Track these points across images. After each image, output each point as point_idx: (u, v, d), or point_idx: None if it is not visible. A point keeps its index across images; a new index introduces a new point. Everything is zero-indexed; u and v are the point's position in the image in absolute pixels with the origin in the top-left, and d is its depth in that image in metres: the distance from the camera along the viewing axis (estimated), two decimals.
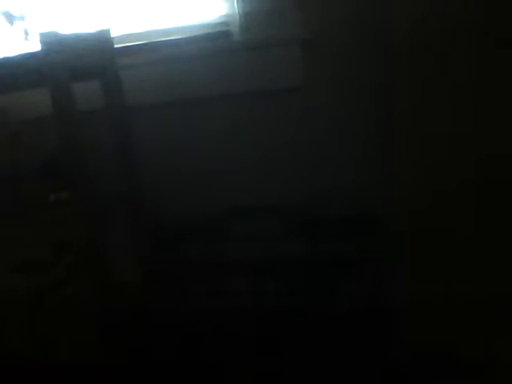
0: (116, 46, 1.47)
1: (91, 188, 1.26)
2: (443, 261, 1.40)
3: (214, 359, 1.30)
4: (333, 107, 1.42)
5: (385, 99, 1.38)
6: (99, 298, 1.33)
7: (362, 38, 1.37)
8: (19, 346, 1.41)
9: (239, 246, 1.49)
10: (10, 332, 1.42)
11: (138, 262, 1.51)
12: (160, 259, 1.54)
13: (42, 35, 1.14)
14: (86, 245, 1.28)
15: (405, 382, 1.15)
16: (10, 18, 1.37)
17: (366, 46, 1.37)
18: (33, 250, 1.38)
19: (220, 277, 1.51)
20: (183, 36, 1.54)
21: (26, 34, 1.38)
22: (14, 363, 1.38)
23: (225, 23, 1.52)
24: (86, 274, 1.33)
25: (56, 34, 1.17)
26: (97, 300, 1.33)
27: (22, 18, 1.38)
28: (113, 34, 1.41)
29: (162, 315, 1.46)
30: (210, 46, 1.48)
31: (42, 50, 1.15)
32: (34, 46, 1.37)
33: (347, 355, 1.24)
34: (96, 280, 1.31)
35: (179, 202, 1.59)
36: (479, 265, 1.36)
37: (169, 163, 1.58)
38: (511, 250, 1.33)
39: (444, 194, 1.39)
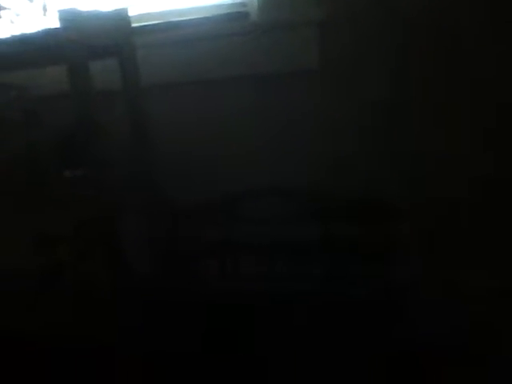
0: (133, 25, 1.46)
1: (106, 167, 1.27)
2: (455, 248, 1.40)
3: (222, 341, 1.32)
4: (348, 89, 1.41)
5: (401, 81, 1.37)
6: (111, 279, 1.34)
7: (378, 19, 1.35)
8: (32, 323, 1.43)
9: (251, 229, 1.49)
10: (24, 309, 1.45)
11: (150, 242, 1.52)
12: (172, 240, 1.55)
13: (61, 12, 1.14)
14: (99, 223, 1.30)
15: (412, 370, 1.15)
16: None
17: (383, 27, 1.35)
18: (47, 227, 1.40)
19: (231, 259, 1.52)
20: (200, 16, 1.53)
21: (45, 10, 1.39)
22: (25, 340, 1.40)
23: (242, 4, 1.51)
24: (99, 253, 1.35)
25: (74, 12, 1.17)
26: (109, 281, 1.35)
27: None
28: (130, 13, 1.41)
29: (172, 296, 1.47)
30: (227, 26, 1.47)
31: (61, 27, 1.15)
32: (53, 22, 1.38)
33: (356, 340, 1.25)
34: (109, 260, 1.33)
35: (192, 184, 1.59)
36: (490, 253, 1.36)
37: (183, 144, 1.58)
38: None
39: (458, 181, 1.38)
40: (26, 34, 1.23)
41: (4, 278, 1.43)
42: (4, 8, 1.40)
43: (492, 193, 1.36)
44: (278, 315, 1.37)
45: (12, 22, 1.40)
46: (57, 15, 1.14)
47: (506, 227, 1.35)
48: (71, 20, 1.15)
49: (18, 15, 1.41)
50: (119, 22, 1.37)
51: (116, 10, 1.37)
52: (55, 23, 1.15)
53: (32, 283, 1.44)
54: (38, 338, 1.40)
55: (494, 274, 1.32)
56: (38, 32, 1.20)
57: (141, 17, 1.58)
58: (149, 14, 1.59)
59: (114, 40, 1.37)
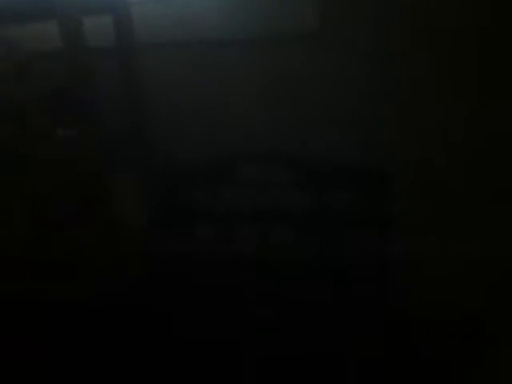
0: None
1: (98, 125, 1.26)
2: (453, 218, 1.40)
3: (215, 308, 1.32)
4: (349, 52, 1.39)
5: (404, 45, 1.34)
6: (103, 238, 1.34)
7: None
8: (23, 282, 1.44)
9: (246, 193, 1.49)
10: (16, 267, 1.45)
11: (142, 203, 1.52)
12: (165, 202, 1.55)
13: None
14: (91, 181, 1.29)
15: (406, 342, 1.17)
16: None
17: None
18: (39, 185, 1.39)
19: (225, 224, 1.52)
20: None
21: None
22: (17, 297, 1.41)
23: None
24: (91, 212, 1.35)
25: None
26: (101, 239, 1.35)
27: None
28: None
29: (165, 259, 1.48)
30: None
31: None
32: None
33: (350, 309, 1.26)
34: (101, 219, 1.33)
35: (186, 145, 1.58)
36: (489, 224, 1.36)
37: (177, 105, 1.56)
38: None
39: (457, 150, 1.37)
40: None
41: None
42: None
43: (492, 163, 1.36)
44: (270, 283, 1.38)
45: None
46: None
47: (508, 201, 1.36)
48: None
49: None
50: None
51: None
52: None
53: (25, 244, 1.44)
54: (34, 298, 1.40)
55: (493, 245, 1.33)
56: None
57: None
58: None
59: None
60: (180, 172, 1.53)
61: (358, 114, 1.42)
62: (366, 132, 1.42)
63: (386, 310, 1.24)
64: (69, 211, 1.41)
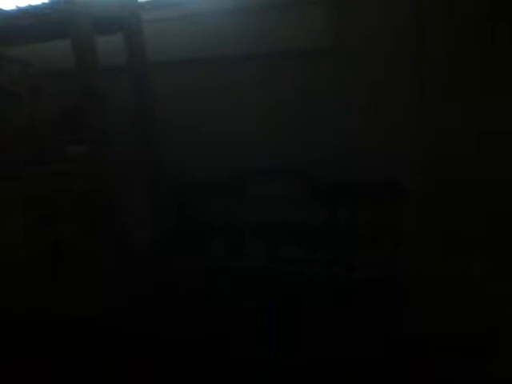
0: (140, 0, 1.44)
1: (110, 143, 1.26)
2: (464, 234, 1.38)
3: (226, 321, 1.31)
4: (360, 67, 1.39)
5: (415, 61, 1.34)
6: (114, 254, 1.34)
7: None
8: (35, 298, 1.43)
9: (256, 209, 1.48)
10: (27, 284, 1.45)
11: (152, 219, 1.51)
12: (175, 219, 1.55)
13: None
14: (102, 199, 1.29)
15: (414, 356, 1.15)
16: None
17: (396, 6, 1.32)
18: (50, 202, 1.40)
19: (235, 239, 1.51)
20: None
21: None
22: (28, 314, 1.40)
23: None
24: (102, 230, 1.35)
25: None
26: (112, 256, 1.34)
27: None
28: None
29: (175, 274, 1.47)
30: (237, 2, 1.44)
31: (66, 1, 1.13)
32: None
33: (361, 322, 1.24)
34: (111, 236, 1.33)
35: (197, 162, 1.58)
36: (499, 240, 1.34)
37: (188, 122, 1.57)
38: None
39: (467, 164, 1.36)
40: (31, 6, 1.22)
41: (5, 254, 1.43)
42: None
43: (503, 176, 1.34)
44: (280, 296, 1.36)
45: None
46: None
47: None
48: None
49: None
50: None
51: None
52: None
53: (34, 259, 1.44)
54: (38, 315, 1.40)
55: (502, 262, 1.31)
56: (44, 5, 1.19)
57: None
58: None
59: (120, 14, 1.35)
60: (189, 189, 1.54)
61: (367, 130, 1.42)
62: (377, 148, 1.41)
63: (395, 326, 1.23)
64: (78, 228, 1.41)
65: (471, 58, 1.30)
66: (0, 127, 1.38)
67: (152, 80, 1.46)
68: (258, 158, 1.49)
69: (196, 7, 1.47)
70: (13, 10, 1.22)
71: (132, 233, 1.39)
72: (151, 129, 1.48)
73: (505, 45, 1.26)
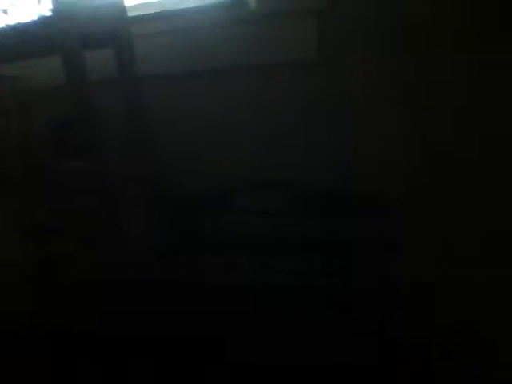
0: (130, 14, 1.44)
1: (103, 158, 1.26)
2: (452, 242, 1.38)
3: (219, 335, 1.31)
4: (346, 80, 1.39)
5: (399, 74, 1.35)
6: (109, 268, 1.33)
7: (377, 10, 1.33)
8: (27, 312, 1.42)
9: (249, 221, 1.48)
10: (18, 297, 1.44)
11: (148, 233, 1.51)
12: (170, 232, 1.54)
13: (55, 2, 1.12)
14: (97, 214, 1.28)
15: (409, 364, 1.15)
16: None
17: (382, 18, 1.33)
18: (44, 218, 1.39)
19: (229, 252, 1.51)
20: (198, 5, 1.51)
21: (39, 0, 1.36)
22: (21, 329, 1.39)
23: None
24: (96, 244, 1.34)
25: (69, 1, 1.16)
26: (106, 270, 1.34)
27: None
28: (127, 3, 1.39)
29: (170, 288, 1.46)
30: (226, 15, 1.45)
31: (55, 16, 1.13)
32: (47, 12, 1.35)
33: (353, 335, 1.24)
34: (106, 250, 1.32)
35: (190, 174, 1.58)
36: (488, 247, 1.35)
37: (180, 135, 1.57)
38: None
39: (453, 177, 1.36)
40: (20, 23, 1.22)
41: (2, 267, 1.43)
42: None
43: (488, 187, 1.34)
44: (274, 309, 1.36)
45: (6, 12, 1.38)
46: (51, 4, 1.12)
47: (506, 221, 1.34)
48: (66, 9, 1.13)
49: (13, 6, 1.39)
50: (115, 12, 1.35)
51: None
52: (50, 12, 1.13)
53: (30, 274, 1.44)
54: (38, 328, 1.39)
55: (491, 268, 1.31)
56: (32, 22, 1.19)
57: (138, 6, 1.56)
58: (146, 3, 1.57)
59: (110, 29, 1.35)
60: (184, 201, 1.53)
61: (358, 141, 1.42)
62: (367, 159, 1.42)
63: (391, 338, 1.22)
64: (77, 242, 1.40)
65: (463, 62, 1.31)
66: None
67: (143, 93, 1.46)
68: (250, 170, 1.49)
69: (185, 20, 1.48)
70: (2, 28, 1.22)
71: (130, 246, 1.38)
72: (144, 142, 1.48)
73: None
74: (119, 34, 1.38)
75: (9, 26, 1.22)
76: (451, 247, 1.39)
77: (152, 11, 1.55)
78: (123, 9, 1.38)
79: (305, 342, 1.23)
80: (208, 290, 1.46)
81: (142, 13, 1.55)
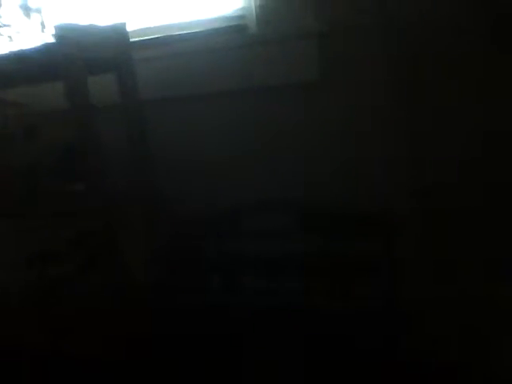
0: (132, 39, 1.46)
1: (106, 182, 1.26)
2: (455, 260, 1.38)
3: (224, 356, 1.30)
4: (347, 102, 1.41)
5: (400, 95, 1.36)
6: (112, 293, 1.33)
7: (377, 32, 1.34)
8: (30, 337, 1.42)
9: (252, 242, 1.48)
10: (21, 322, 1.44)
11: (151, 256, 1.51)
12: (173, 255, 1.54)
13: (58, 28, 1.14)
14: (100, 238, 1.29)
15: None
16: (27, 11, 1.37)
17: (382, 40, 1.35)
18: (48, 242, 1.39)
19: (232, 273, 1.50)
20: (199, 30, 1.53)
21: (43, 26, 1.39)
22: (23, 353, 1.38)
23: (241, 17, 1.51)
24: (99, 268, 1.34)
25: (72, 27, 1.18)
26: (109, 295, 1.33)
27: (39, 11, 1.38)
28: (129, 28, 1.41)
29: (174, 311, 1.46)
30: (226, 39, 1.47)
31: (58, 42, 1.15)
32: (51, 38, 1.37)
33: (357, 355, 1.23)
34: (109, 274, 1.32)
35: (192, 197, 1.58)
36: (488, 265, 1.34)
37: (183, 158, 1.57)
38: None
39: (456, 192, 1.36)
40: (24, 50, 1.23)
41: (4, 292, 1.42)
42: (4, 25, 1.41)
43: (488, 203, 1.35)
44: (276, 330, 1.35)
45: (11, 38, 1.40)
46: (54, 31, 1.14)
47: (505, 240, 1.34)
48: (69, 35, 1.15)
49: (17, 32, 1.41)
50: (117, 37, 1.37)
51: (114, 25, 1.37)
52: (53, 39, 1.14)
53: (33, 297, 1.43)
54: (42, 351, 1.38)
55: (493, 286, 1.30)
56: (36, 48, 1.20)
57: (140, 31, 1.58)
58: (147, 28, 1.59)
59: (112, 55, 1.36)
60: (186, 224, 1.53)
61: (357, 161, 1.43)
62: (367, 179, 1.42)
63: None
64: (78, 267, 1.40)
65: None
66: None
67: (146, 118, 1.47)
68: (251, 192, 1.49)
69: (187, 45, 1.50)
70: (6, 54, 1.24)
71: (132, 270, 1.38)
72: (147, 166, 1.49)
73: None
74: (121, 58, 1.40)
75: (13, 52, 1.24)
76: (452, 268, 1.38)
77: (154, 36, 1.57)
78: (125, 34, 1.40)
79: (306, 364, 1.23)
80: (212, 314, 1.45)
81: (143, 38, 1.57)
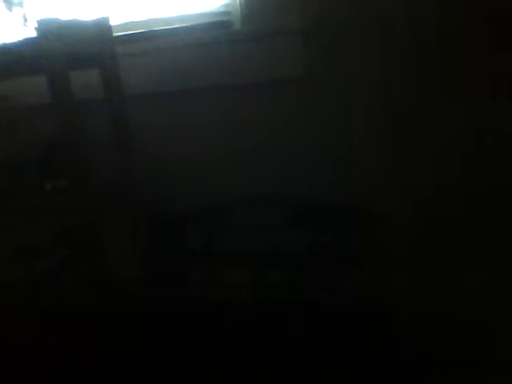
0: (115, 34, 1.45)
1: (88, 177, 1.26)
2: (445, 254, 1.40)
3: (211, 351, 1.30)
4: (331, 98, 1.42)
5: (384, 90, 1.37)
6: (95, 288, 1.33)
7: (361, 29, 1.35)
8: (13, 333, 1.41)
9: (240, 237, 1.48)
10: (5, 318, 1.43)
11: (135, 252, 1.50)
12: (159, 250, 1.54)
13: (41, 22, 1.13)
14: (82, 234, 1.28)
15: (405, 379, 1.15)
16: (9, 4, 1.36)
17: (366, 37, 1.35)
18: (29, 238, 1.38)
19: (220, 268, 1.51)
20: (183, 25, 1.53)
21: (25, 20, 1.37)
22: (8, 350, 1.38)
23: (225, 13, 1.51)
24: (82, 264, 1.33)
25: (55, 21, 1.16)
26: (93, 290, 1.33)
27: (21, 5, 1.36)
28: (112, 22, 1.40)
29: (159, 307, 1.46)
30: (211, 35, 1.47)
31: (41, 36, 1.14)
32: (33, 32, 1.36)
33: (346, 349, 1.24)
34: (92, 269, 1.31)
35: (178, 192, 1.58)
36: (480, 259, 1.36)
37: (168, 153, 1.57)
38: None
39: (445, 187, 1.38)
40: (5, 44, 1.22)
41: None
42: None
43: (482, 199, 1.36)
44: (265, 324, 1.35)
45: None
46: (37, 25, 1.13)
47: (499, 235, 1.36)
48: (51, 30, 1.14)
49: None
50: (100, 32, 1.36)
51: (97, 20, 1.36)
52: (35, 33, 1.13)
53: (16, 293, 1.42)
54: (25, 349, 1.37)
55: (485, 280, 1.32)
56: (18, 42, 1.19)
57: (123, 26, 1.57)
58: (131, 22, 1.58)
59: (95, 49, 1.36)
60: (173, 219, 1.53)
61: (347, 155, 1.44)
62: (358, 173, 1.43)
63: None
64: (60, 263, 1.40)
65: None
66: None
67: (129, 112, 1.47)
68: (236, 188, 1.50)
69: (171, 40, 1.49)
70: None
71: (114, 267, 1.37)
72: (130, 161, 1.49)
73: None
74: (104, 53, 1.39)
75: None
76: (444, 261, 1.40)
77: (138, 31, 1.56)
78: (109, 28, 1.40)
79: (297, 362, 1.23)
80: (200, 308, 1.45)
81: (127, 32, 1.56)
